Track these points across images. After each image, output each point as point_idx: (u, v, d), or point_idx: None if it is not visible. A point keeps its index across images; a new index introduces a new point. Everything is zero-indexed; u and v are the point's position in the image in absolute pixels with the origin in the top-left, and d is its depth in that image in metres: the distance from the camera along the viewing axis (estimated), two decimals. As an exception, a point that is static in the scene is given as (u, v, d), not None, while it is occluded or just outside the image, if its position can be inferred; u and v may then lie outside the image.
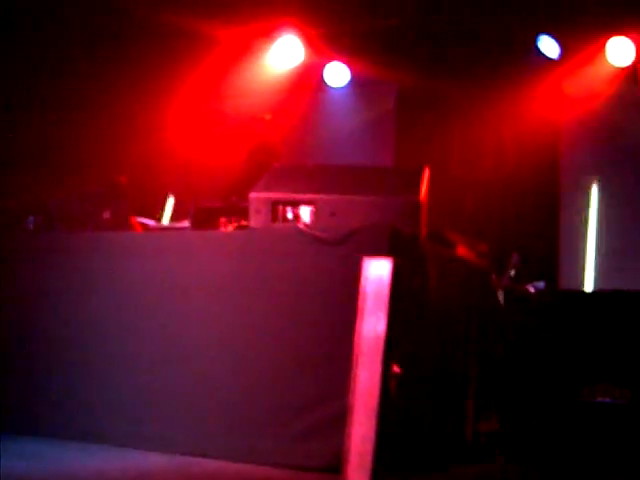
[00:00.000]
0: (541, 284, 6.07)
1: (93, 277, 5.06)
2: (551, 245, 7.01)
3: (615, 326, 6.53)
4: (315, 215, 4.68)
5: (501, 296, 5.44)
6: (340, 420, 4.12)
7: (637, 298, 6.59)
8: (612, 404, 6.17)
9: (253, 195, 4.78)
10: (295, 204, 4.72)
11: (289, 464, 4.29)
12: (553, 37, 7.08)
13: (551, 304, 6.22)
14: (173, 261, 4.89)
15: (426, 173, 4.83)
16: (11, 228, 5.42)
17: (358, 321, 4.21)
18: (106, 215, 5.28)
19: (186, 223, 5.49)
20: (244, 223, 4.97)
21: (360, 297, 4.23)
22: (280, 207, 4.73)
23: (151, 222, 5.83)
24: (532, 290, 5.98)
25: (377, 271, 4.26)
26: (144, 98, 7.32)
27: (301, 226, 4.64)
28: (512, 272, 5.82)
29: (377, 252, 4.33)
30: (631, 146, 6.94)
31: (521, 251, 6.02)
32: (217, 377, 4.64)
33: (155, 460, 4.41)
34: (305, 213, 4.71)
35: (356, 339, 4.18)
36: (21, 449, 4.52)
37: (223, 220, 5.11)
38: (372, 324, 4.20)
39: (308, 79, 7.77)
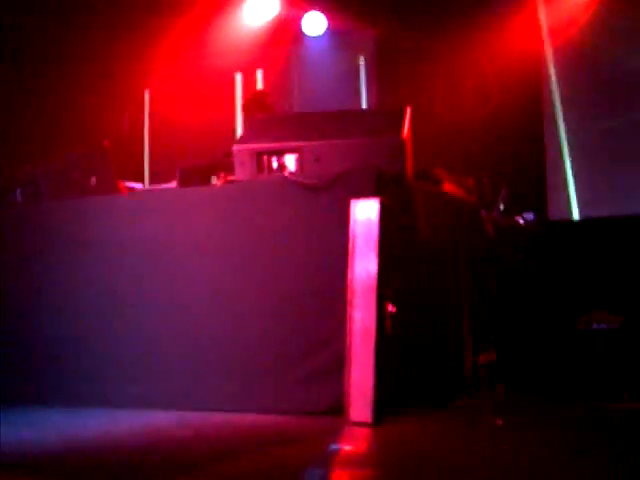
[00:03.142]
0: (530, 215, 6.13)
1: (85, 243, 5.07)
2: (538, 177, 7.03)
3: (604, 253, 6.62)
4: (300, 162, 4.68)
5: (491, 229, 5.48)
6: (340, 363, 4.18)
7: (622, 224, 6.66)
8: (608, 330, 6.27)
9: (236, 147, 4.78)
10: (279, 153, 4.73)
11: (292, 410, 4.34)
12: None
13: (541, 235, 6.30)
14: (162, 220, 4.91)
15: (408, 112, 4.82)
16: (0, 202, 5.44)
17: (350, 263, 4.24)
18: (93, 181, 5.27)
19: (174, 184, 5.51)
20: (230, 178, 4.99)
21: (350, 239, 4.26)
22: (265, 157, 4.73)
23: (138, 185, 5.85)
24: (522, 222, 6.04)
25: (365, 212, 4.28)
26: (123, 61, 7.27)
27: (287, 174, 4.65)
28: (501, 206, 5.87)
29: (364, 194, 4.35)
30: (610, 71, 6.93)
31: (509, 184, 6.06)
32: (214, 331, 4.68)
33: (160, 417, 4.46)
34: (290, 161, 4.71)
35: (349, 281, 4.22)
36: (22, 418, 4.56)
37: (214, 177, 5.13)
38: (364, 265, 4.23)
39: (286, 31, 7.73)
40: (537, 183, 7.02)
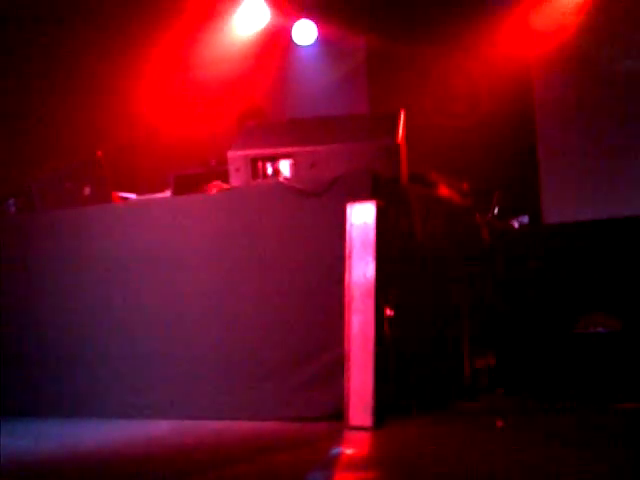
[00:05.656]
0: (525, 218, 6.12)
1: (80, 253, 5.05)
2: (532, 180, 7.04)
3: (600, 255, 6.60)
4: (295, 168, 4.67)
5: (486, 233, 5.48)
6: (338, 367, 4.16)
7: (618, 225, 6.65)
8: (605, 333, 6.25)
9: (231, 154, 4.76)
10: (274, 159, 4.71)
11: (292, 416, 4.32)
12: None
13: (536, 238, 6.28)
14: (158, 229, 4.89)
15: (402, 116, 4.82)
16: (-8, 212, 5.42)
17: (347, 267, 4.22)
18: (86, 191, 5.25)
19: (167, 193, 5.48)
20: (225, 185, 4.97)
21: (347, 243, 4.25)
22: (259, 163, 4.72)
23: (132, 195, 5.82)
24: (516, 225, 6.03)
25: (361, 215, 4.27)
26: (112, 71, 7.27)
27: (282, 180, 4.64)
28: (496, 209, 5.86)
29: (360, 197, 4.33)
30: (602, 74, 6.96)
31: (503, 188, 6.06)
32: (211, 339, 4.66)
33: (158, 427, 4.44)
34: (285, 167, 4.70)
35: (346, 285, 4.21)
36: (24, 429, 4.56)
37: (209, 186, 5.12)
38: (361, 269, 4.22)
39: (276, 40, 7.74)
40: (530, 186, 7.02)
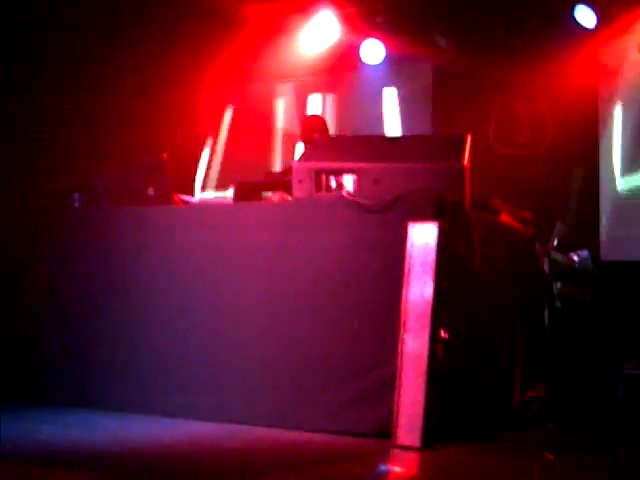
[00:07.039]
0: (585, 253, 6.06)
1: (140, 252, 5.11)
2: (593, 215, 6.96)
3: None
4: (358, 183, 4.68)
5: (545, 264, 5.43)
6: (389, 386, 4.14)
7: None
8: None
9: (296, 165, 4.80)
10: (338, 173, 4.72)
11: (339, 430, 4.31)
12: (589, 6, 7.03)
13: (594, 273, 6.21)
14: (218, 233, 4.92)
15: (468, 140, 4.81)
16: (57, 206, 5.51)
17: (405, 286, 4.21)
18: (150, 191, 5.32)
19: (228, 192, 5.53)
20: (287, 196, 5.01)
21: (406, 262, 4.23)
22: (323, 176, 4.73)
23: (192, 199, 5.89)
24: (576, 259, 5.97)
25: (423, 236, 4.26)
26: (180, 78, 7.38)
27: (345, 194, 4.65)
28: (555, 241, 5.81)
29: (422, 218, 4.32)
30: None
31: (564, 220, 6.01)
32: (265, 346, 4.67)
33: (205, 429, 4.46)
34: (348, 182, 4.71)
35: (403, 305, 4.19)
36: (74, 420, 4.62)
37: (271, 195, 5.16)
38: (419, 289, 4.20)
39: (344, 57, 7.78)
40: (591, 221, 6.95)
